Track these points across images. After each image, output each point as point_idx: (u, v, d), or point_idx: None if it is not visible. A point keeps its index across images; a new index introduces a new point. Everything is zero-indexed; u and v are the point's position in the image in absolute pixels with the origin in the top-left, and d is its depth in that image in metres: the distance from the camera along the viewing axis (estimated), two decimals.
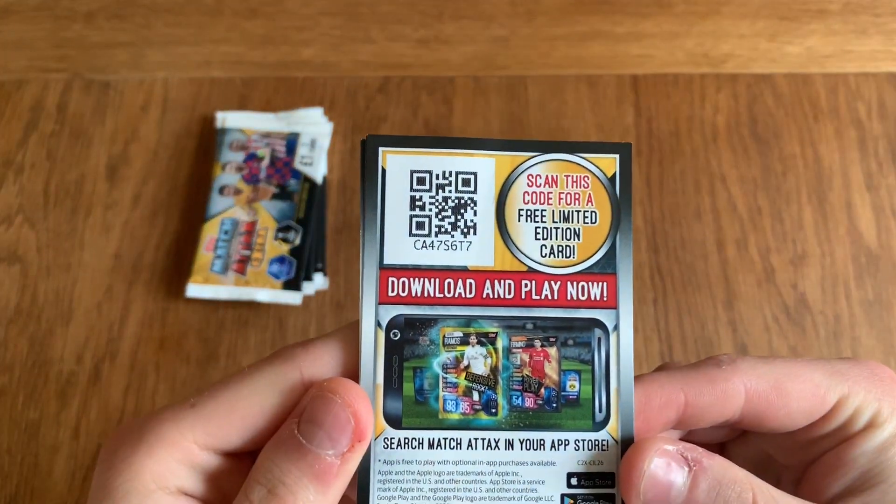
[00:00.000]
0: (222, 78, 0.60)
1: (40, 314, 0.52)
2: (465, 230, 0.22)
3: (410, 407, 0.22)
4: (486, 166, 0.22)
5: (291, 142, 0.56)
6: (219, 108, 0.58)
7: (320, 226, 0.54)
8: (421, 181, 0.22)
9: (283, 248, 0.52)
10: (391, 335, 0.22)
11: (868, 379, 0.24)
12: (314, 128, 0.56)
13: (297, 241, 0.52)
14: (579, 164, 0.23)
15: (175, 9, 0.62)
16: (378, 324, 0.22)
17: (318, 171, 0.55)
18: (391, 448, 0.22)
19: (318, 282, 0.52)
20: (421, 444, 0.22)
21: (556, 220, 0.22)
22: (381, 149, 0.22)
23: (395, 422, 0.22)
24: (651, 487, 0.21)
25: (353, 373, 0.22)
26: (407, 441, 0.22)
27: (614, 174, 0.23)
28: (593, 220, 0.23)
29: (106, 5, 0.62)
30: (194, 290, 0.51)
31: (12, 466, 0.48)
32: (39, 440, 0.49)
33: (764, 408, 0.24)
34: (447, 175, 0.22)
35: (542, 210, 0.22)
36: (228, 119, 0.57)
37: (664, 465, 0.21)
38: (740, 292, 0.52)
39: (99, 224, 0.55)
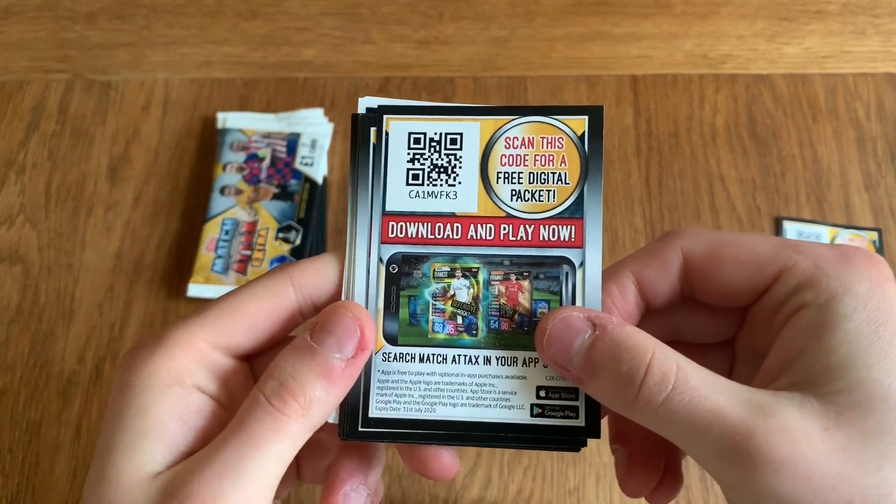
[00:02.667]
0: (223, 78, 0.60)
1: (42, 314, 0.52)
2: (453, 182, 0.26)
3: (405, 328, 0.26)
4: (471, 129, 0.26)
5: (292, 142, 0.56)
6: (220, 109, 0.58)
7: (321, 226, 0.54)
8: (417, 141, 0.27)
9: (284, 248, 0.52)
10: (390, 269, 0.26)
11: (829, 256, 0.23)
12: (315, 128, 0.57)
13: (298, 241, 0.52)
14: (553, 126, 0.26)
15: (176, 9, 0.62)
16: (380, 259, 0.26)
17: (319, 171, 0.55)
18: (388, 361, 0.26)
19: None
20: (413, 358, 0.26)
21: (530, 180, 0.26)
22: (385, 116, 0.26)
23: (392, 339, 0.26)
24: (551, 343, 0.24)
25: (333, 286, 0.26)
26: (401, 355, 0.26)
27: (584, 133, 0.26)
28: (564, 180, 0.26)
29: (107, 6, 0.63)
30: (195, 289, 0.51)
31: (14, 466, 0.48)
32: (41, 439, 0.49)
33: (700, 273, 0.25)
34: (438, 136, 0.26)
35: (519, 171, 0.26)
36: (229, 119, 0.57)
37: (564, 326, 0.24)
38: None
39: (100, 224, 0.55)
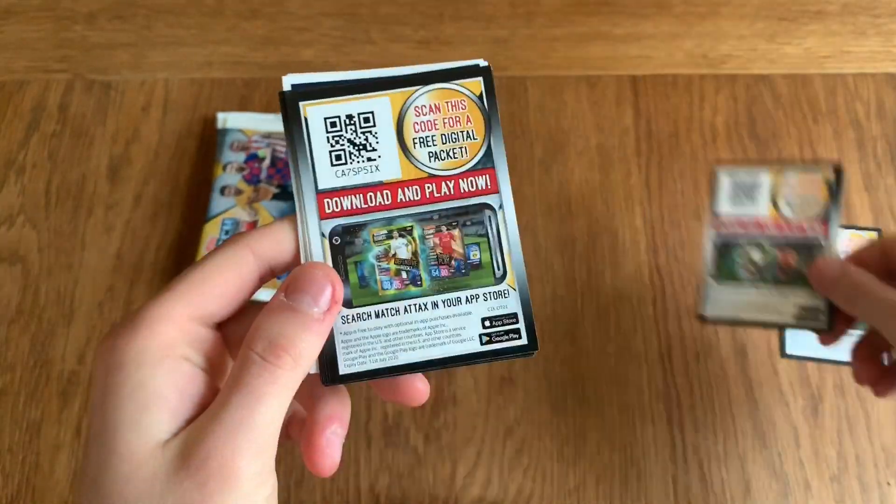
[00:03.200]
0: (223, 78, 0.60)
1: (42, 314, 0.52)
2: (373, 156, 0.29)
3: (357, 291, 0.28)
4: (382, 104, 0.29)
5: None
6: (220, 109, 0.58)
7: None
8: (333, 124, 0.29)
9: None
10: (333, 241, 0.28)
11: None
12: None
13: None
14: (454, 90, 0.30)
15: (176, 10, 0.62)
16: (322, 234, 0.28)
17: None
18: (348, 322, 0.28)
19: None
20: (369, 315, 0.28)
21: (443, 141, 0.29)
22: (301, 103, 0.29)
23: (347, 303, 0.28)
24: (824, 272, 0.40)
25: (289, 252, 0.28)
26: (358, 315, 0.28)
27: (481, 92, 0.30)
28: (472, 136, 0.29)
29: (107, 6, 0.63)
30: None
31: (14, 465, 0.48)
32: (41, 439, 0.49)
33: None
34: (352, 117, 0.29)
35: (432, 135, 0.29)
36: (229, 119, 0.57)
37: (830, 265, 0.40)
38: None
39: (100, 224, 0.55)
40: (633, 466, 0.48)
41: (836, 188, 0.33)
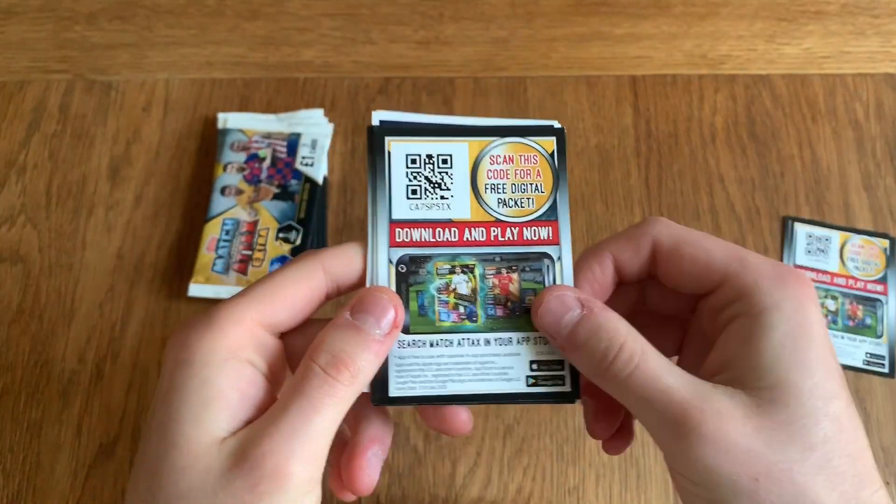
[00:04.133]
0: (224, 79, 0.60)
1: (42, 314, 0.52)
2: (447, 195, 0.31)
3: (415, 318, 0.30)
4: (460, 149, 0.31)
5: (292, 142, 0.56)
6: (220, 109, 0.59)
7: (321, 226, 0.54)
8: (414, 161, 0.31)
9: (285, 248, 0.52)
10: (399, 268, 0.30)
11: (767, 274, 0.27)
12: (315, 128, 0.57)
13: (298, 242, 0.52)
14: (528, 145, 0.31)
15: (177, 10, 0.63)
16: (390, 261, 0.30)
17: (319, 171, 0.55)
18: (403, 348, 0.29)
19: None
20: (424, 344, 0.29)
21: (513, 190, 0.31)
22: (386, 138, 0.31)
23: (405, 329, 0.29)
24: (545, 314, 0.28)
25: (358, 272, 0.29)
26: (414, 342, 0.29)
27: (553, 151, 0.31)
28: (540, 188, 0.31)
29: (108, 6, 0.63)
30: (196, 289, 0.51)
31: (14, 465, 0.48)
32: (41, 439, 0.49)
33: (663, 262, 0.29)
34: (431, 157, 0.31)
35: (503, 183, 0.31)
36: (230, 120, 0.57)
37: (558, 301, 0.28)
38: None
39: (101, 224, 0.55)
40: (633, 465, 0.48)
41: (560, 165, 0.33)
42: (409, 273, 0.30)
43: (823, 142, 0.57)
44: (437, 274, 0.30)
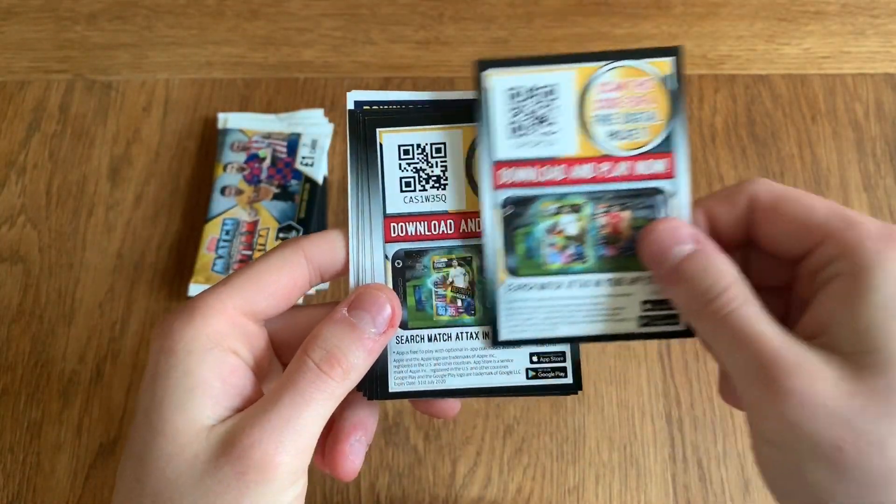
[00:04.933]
0: (224, 79, 0.60)
1: (42, 314, 0.52)
2: (439, 186, 0.29)
3: (413, 313, 0.29)
4: (566, 77, 0.28)
5: (292, 142, 0.56)
6: (220, 109, 0.59)
7: (321, 226, 0.54)
8: (406, 152, 0.29)
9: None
10: (395, 264, 0.29)
11: (874, 232, 0.25)
12: (315, 128, 0.57)
13: None
14: (642, 69, 0.28)
15: (177, 10, 0.63)
16: (385, 256, 0.29)
17: (319, 171, 0.55)
18: (402, 343, 0.29)
19: None
20: (422, 338, 0.29)
21: (625, 121, 0.28)
22: (377, 129, 0.29)
23: (402, 325, 0.29)
24: (654, 242, 0.27)
25: (340, 259, 0.29)
26: (412, 337, 0.29)
27: (671, 73, 0.28)
28: (654, 117, 0.28)
29: (108, 7, 0.63)
30: (196, 290, 0.51)
31: (14, 465, 0.48)
32: (42, 439, 0.49)
33: (761, 219, 0.27)
34: (424, 146, 0.29)
35: (614, 113, 0.28)
36: (230, 120, 0.57)
37: (671, 231, 0.27)
38: None
39: (101, 224, 0.55)
40: (633, 465, 0.48)
41: (678, 89, 0.28)
42: (406, 268, 0.29)
43: (823, 142, 0.57)
44: (434, 268, 0.29)
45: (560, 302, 0.29)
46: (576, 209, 0.29)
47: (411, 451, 0.48)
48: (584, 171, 0.28)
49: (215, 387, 0.25)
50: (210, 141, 0.57)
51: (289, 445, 0.24)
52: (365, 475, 0.48)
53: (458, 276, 0.29)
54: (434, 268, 0.29)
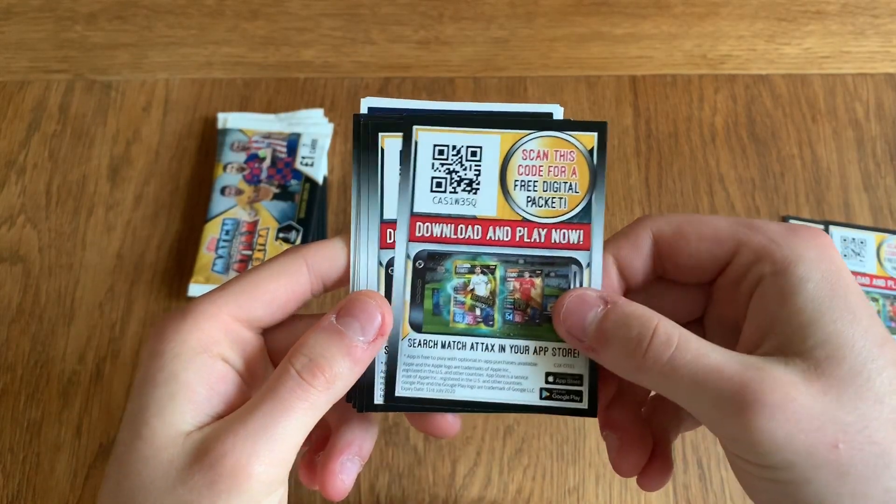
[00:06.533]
0: (224, 79, 0.60)
1: (42, 314, 0.52)
2: (473, 189, 0.29)
3: (429, 317, 0.28)
4: (491, 141, 0.29)
5: (292, 142, 0.56)
6: (220, 109, 0.59)
7: (321, 226, 0.54)
8: (441, 152, 0.29)
9: (285, 249, 0.52)
10: (417, 264, 0.28)
11: (779, 231, 0.25)
12: (315, 128, 0.57)
13: (298, 241, 0.52)
14: (566, 140, 0.29)
15: (176, 10, 0.63)
16: (408, 255, 0.28)
17: (319, 171, 0.55)
18: (413, 347, 0.28)
19: None
20: (436, 344, 0.28)
21: (545, 188, 0.29)
22: (414, 127, 0.29)
23: (417, 328, 0.28)
24: (568, 316, 0.27)
25: (342, 268, 0.28)
26: (425, 342, 0.28)
27: (593, 147, 0.29)
28: (574, 188, 0.29)
29: (108, 6, 0.63)
30: (196, 289, 0.51)
31: (14, 465, 0.48)
32: (41, 439, 0.49)
33: (668, 250, 0.28)
34: (460, 148, 0.29)
35: (535, 181, 0.29)
36: (230, 120, 0.57)
37: (579, 301, 0.27)
38: None
39: (101, 224, 0.55)
40: None
41: (600, 163, 0.30)
42: (427, 269, 0.28)
43: (823, 142, 0.57)
44: (456, 273, 0.28)
45: (462, 364, 0.28)
46: (488, 270, 0.29)
47: (411, 451, 0.48)
48: (501, 233, 0.29)
49: (199, 393, 0.25)
50: (210, 141, 0.57)
51: (264, 455, 0.24)
52: (365, 475, 0.48)
53: (480, 285, 0.29)
54: (456, 272, 0.29)
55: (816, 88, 0.59)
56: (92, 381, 0.50)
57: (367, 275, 0.28)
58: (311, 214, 0.53)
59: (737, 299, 0.26)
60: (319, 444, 0.30)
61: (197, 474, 0.23)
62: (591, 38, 0.61)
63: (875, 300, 0.52)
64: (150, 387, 0.25)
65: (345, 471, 0.28)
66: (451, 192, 0.29)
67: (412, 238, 0.28)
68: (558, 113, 0.29)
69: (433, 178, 0.29)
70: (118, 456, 0.25)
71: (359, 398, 0.28)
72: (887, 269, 0.52)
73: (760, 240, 0.25)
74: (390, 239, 0.28)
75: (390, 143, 0.29)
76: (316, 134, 0.56)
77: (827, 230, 0.54)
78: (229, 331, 0.26)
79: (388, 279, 0.28)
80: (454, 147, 0.29)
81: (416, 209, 0.29)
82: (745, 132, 0.58)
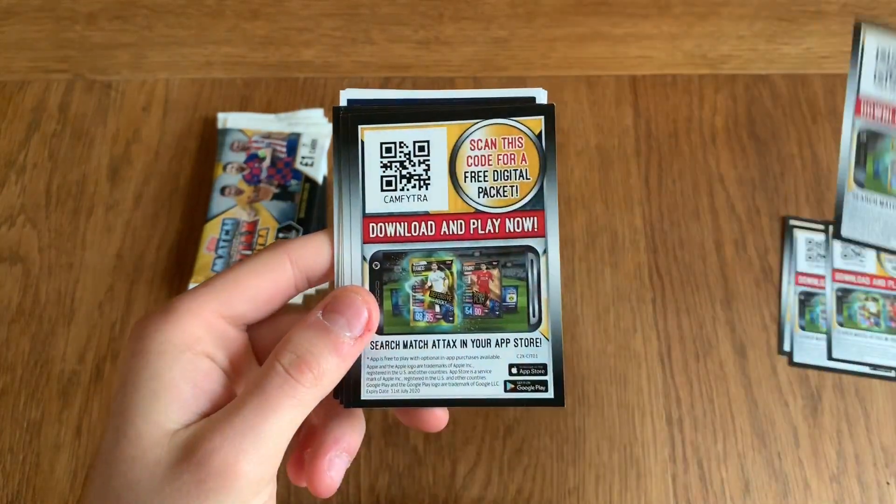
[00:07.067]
0: (223, 79, 0.60)
1: (42, 314, 0.52)
2: (424, 185, 0.28)
3: (389, 318, 0.28)
4: (438, 135, 0.28)
5: (292, 142, 0.56)
6: (220, 109, 0.59)
7: (321, 226, 0.54)
8: (388, 150, 0.29)
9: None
10: (373, 266, 0.28)
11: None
12: (315, 128, 0.57)
13: None
14: (513, 126, 0.28)
15: (176, 10, 0.63)
16: (363, 258, 0.28)
17: (319, 171, 0.55)
18: (376, 349, 0.28)
19: None
20: (397, 345, 0.28)
21: (495, 178, 0.28)
22: (359, 126, 0.28)
23: (378, 330, 0.28)
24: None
25: (326, 263, 0.28)
26: (387, 343, 0.28)
27: (541, 132, 0.28)
28: (525, 175, 0.28)
29: (107, 6, 0.63)
30: None
31: (14, 465, 0.48)
32: (41, 439, 0.49)
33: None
34: (408, 143, 0.28)
35: (484, 171, 0.28)
36: (230, 119, 0.57)
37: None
38: (738, 292, 0.53)
39: (101, 224, 0.55)
40: (633, 466, 0.48)
41: (548, 147, 0.30)
42: (384, 270, 0.28)
43: (823, 142, 0.57)
44: (413, 271, 0.28)
45: (424, 362, 0.28)
46: (445, 266, 0.28)
47: (411, 451, 0.48)
48: (455, 227, 0.28)
49: (184, 391, 0.25)
50: (210, 141, 0.57)
51: (252, 453, 0.23)
52: (365, 475, 0.48)
53: (437, 281, 0.28)
54: (413, 271, 0.28)
55: (816, 88, 0.59)
56: (92, 381, 0.50)
57: (350, 269, 0.28)
58: (311, 214, 0.53)
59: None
60: (306, 440, 0.30)
61: (185, 473, 0.23)
62: (591, 38, 0.61)
63: (875, 300, 0.52)
64: (134, 386, 0.25)
65: (333, 467, 0.28)
66: (401, 190, 0.28)
67: (366, 240, 0.28)
68: (542, 97, 0.28)
69: (382, 176, 0.28)
70: (104, 456, 0.24)
71: (345, 394, 0.28)
72: (887, 269, 0.52)
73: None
74: (373, 233, 0.28)
75: (370, 136, 0.29)
76: (316, 134, 0.56)
77: (827, 231, 0.54)
78: (213, 328, 0.26)
79: (373, 273, 0.28)
80: (401, 143, 0.28)
81: (368, 210, 0.28)
82: (745, 132, 0.58)
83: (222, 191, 0.54)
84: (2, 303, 0.53)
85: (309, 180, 0.54)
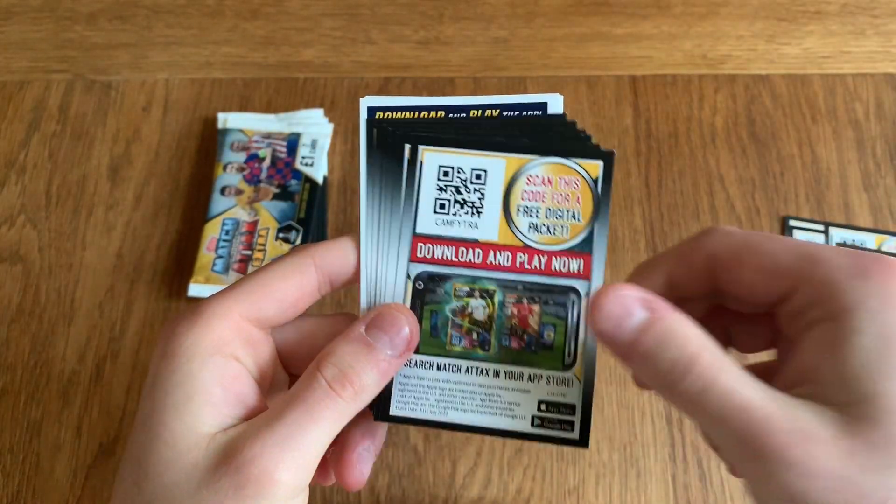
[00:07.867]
0: (223, 79, 0.60)
1: (42, 314, 0.52)
2: (476, 212, 0.29)
3: (426, 338, 0.29)
4: (497, 165, 0.29)
5: (292, 142, 0.56)
6: (220, 109, 0.59)
7: (321, 226, 0.54)
8: (446, 174, 0.29)
9: (285, 249, 0.52)
10: (417, 285, 0.29)
11: (844, 269, 0.23)
12: (315, 128, 0.57)
13: (298, 242, 0.52)
14: (571, 168, 0.28)
15: (176, 10, 0.63)
16: (408, 276, 0.29)
17: (319, 171, 0.55)
18: (410, 367, 0.28)
19: None
20: (431, 366, 0.28)
21: (547, 215, 0.28)
22: (420, 147, 0.29)
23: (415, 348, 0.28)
24: (604, 320, 0.24)
25: (352, 268, 0.28)
26: (421, 363, 0.29)
27: (598, 177, 0.28)
28: (577, 217, 0.28)
29: (108, 6, 0.63)
30: (196, 289, 0.51)
31: (14, 465, 0.48)
32: (41, 439, 0.49)
33: (725, 277, 0.26)
34: (466, 170, 0.29)
35: (538, 207, 0.28)
36: (230, 120, 0.57)
37: (618, 305, 0.24)
38: None
39: (101, 224, 0.55)
40: (633, 465, 0.48)
41: (604, 193, 0.28)
42: (426, 291, 0.29)
43: (823, 142, 0.57)
44: (455, 295, 0.29)
45: (456, 386, 0.28)
46: (487, 295, 0.29)
47: (411, 451, 0.48)
48: (502, 258, 0.29)
49: (215, 393, 0.25)
50: (210, 141, 0.57)
51: (290, 462, 0.24)
52: None
53: (478, 308, 0.29)
54: (455, 295, 0.29)
55: (816, 88, 0.59)
56: (92, 382, 0.50)
57: (394, 286, 0.28)
58: (311, 214, 0.53)
59: (794, 329, 0.25)
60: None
61: (224, 478, 0.23)
62: (591, 38, 0.61)
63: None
64: (166, 388, 0.25)
65: (362, 461, 0.29)
66: (454, 215, 0.29)
67: (413, 258, 0.29)
68: (557, 102, 0.28)
69: (437, 199, 0.29)
70: (135, 458, 0.24)
71: (375, 407, 0.28)
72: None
73: (821, 280, 0.23)
74: (420, 253, 0.29)
75: (430, 157, 0.29)
76: (316, 134, 0.56)
77: (827, 232, 0.54)
78: (241, 331, 0.26)
79: (415, 292, 0.29)
80: (459, 169, 0.29)
81: (419, 230, 0.29)
82: (745, 132, 0.58)
83: (222, 191, 0.54)
84: (2, 303, 0.53)
85: (309, 180, 0.54)
